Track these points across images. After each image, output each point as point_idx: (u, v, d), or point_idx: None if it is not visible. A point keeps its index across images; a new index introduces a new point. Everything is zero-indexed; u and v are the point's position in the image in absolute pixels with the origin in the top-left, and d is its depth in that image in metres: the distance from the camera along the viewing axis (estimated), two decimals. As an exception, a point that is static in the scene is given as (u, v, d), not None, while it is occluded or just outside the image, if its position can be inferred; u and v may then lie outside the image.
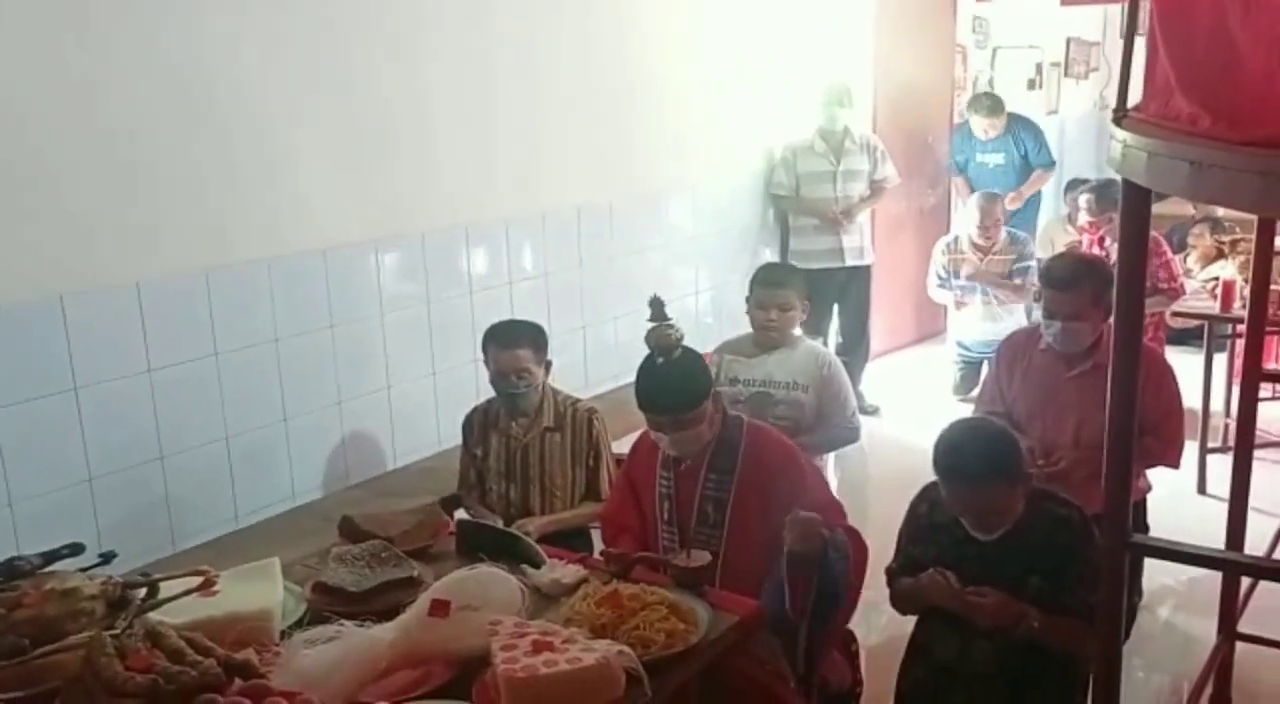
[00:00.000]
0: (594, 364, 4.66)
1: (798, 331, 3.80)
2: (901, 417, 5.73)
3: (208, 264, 3.32)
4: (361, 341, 3.81)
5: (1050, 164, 6.77)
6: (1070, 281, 3.25)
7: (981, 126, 6.64)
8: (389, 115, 3.78)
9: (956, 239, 5.75)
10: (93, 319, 3.04)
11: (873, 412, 5.66)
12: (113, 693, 1.62)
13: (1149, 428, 3.15)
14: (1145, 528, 3.47)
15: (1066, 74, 8.67)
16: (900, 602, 2.66)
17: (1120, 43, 6.92)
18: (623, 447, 3.32)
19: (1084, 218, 5.43)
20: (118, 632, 1.80)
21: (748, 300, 3.77)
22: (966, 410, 4.03)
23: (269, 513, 3.55)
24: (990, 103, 6.66)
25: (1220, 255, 5.17)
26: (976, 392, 4.96)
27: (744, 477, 2.72)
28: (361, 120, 3.69)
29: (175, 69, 3.17)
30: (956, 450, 2.45)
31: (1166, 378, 3.32)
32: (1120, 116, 1.69)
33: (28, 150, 2.89)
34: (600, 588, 2.17)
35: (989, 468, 2.41)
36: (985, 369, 4.72)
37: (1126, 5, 1.81)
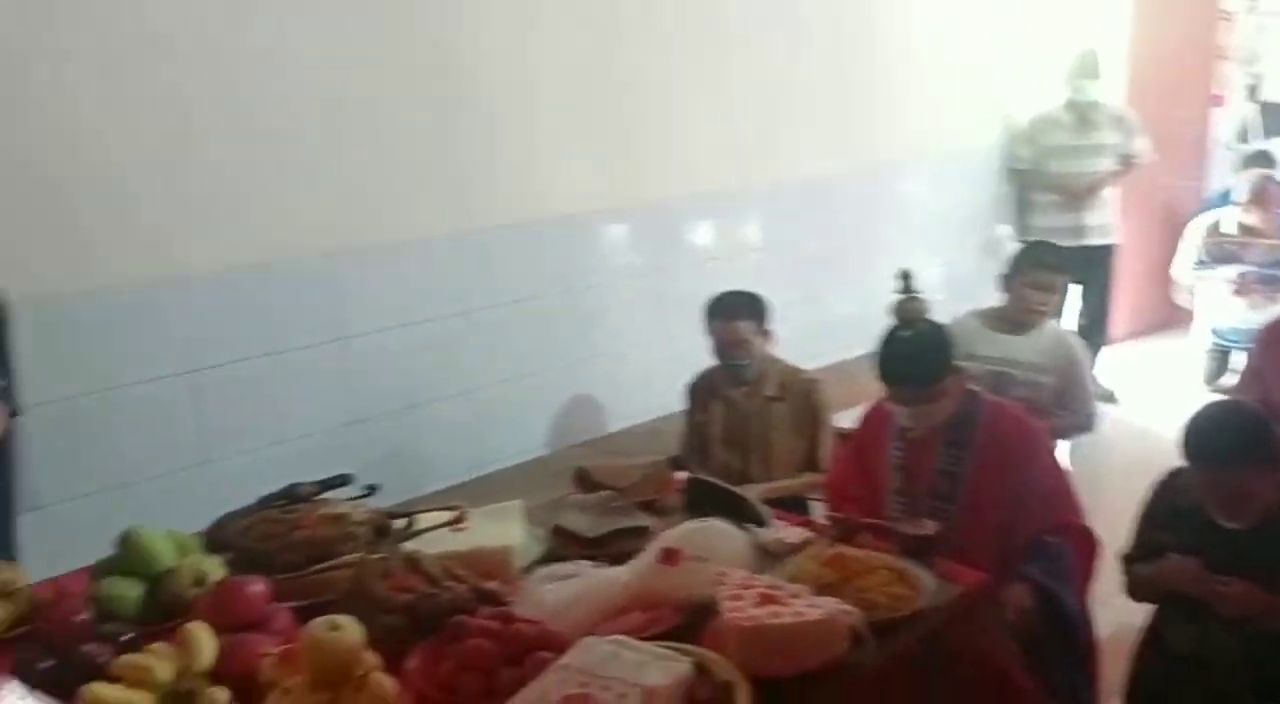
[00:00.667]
0: (818, 337, 4.65)
1: None
2: (1142, 404, 5.45)
3: (460, 228, 3.53)
4: (594, 308, 3.96)
5: None
6: None
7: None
8: (632, 87, 3.90)
9: (1217, 223, 5.39)
10: (364, 275, 3.30)
11: (1108, 397, 5.41)
12: (379, 608, 1.79)
13: None
14: None
15: (1351, 42, 7.92)
16: (1137, 588, 2.56)
17: None
18: (843, 420, 3.32)
19: None
20: (381, 556, 1.97)
21: (1008, 278, 3.66)
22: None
23: (499, 465, 3.76)
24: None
25: None
26: (1230, 382, 4.68)
27: (982, 452, 2.68)
28: (605, 98, 3.83)
29: (431, 37, 3.38)
30: (1209, 432, 2.34)
31: None
32: None
33: (290, 117, 3.15)
34: (825, 549, 2.20)
35: (1243, 451, 2.29)
36: (1240, 358, 4.45)
37: None
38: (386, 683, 1.60)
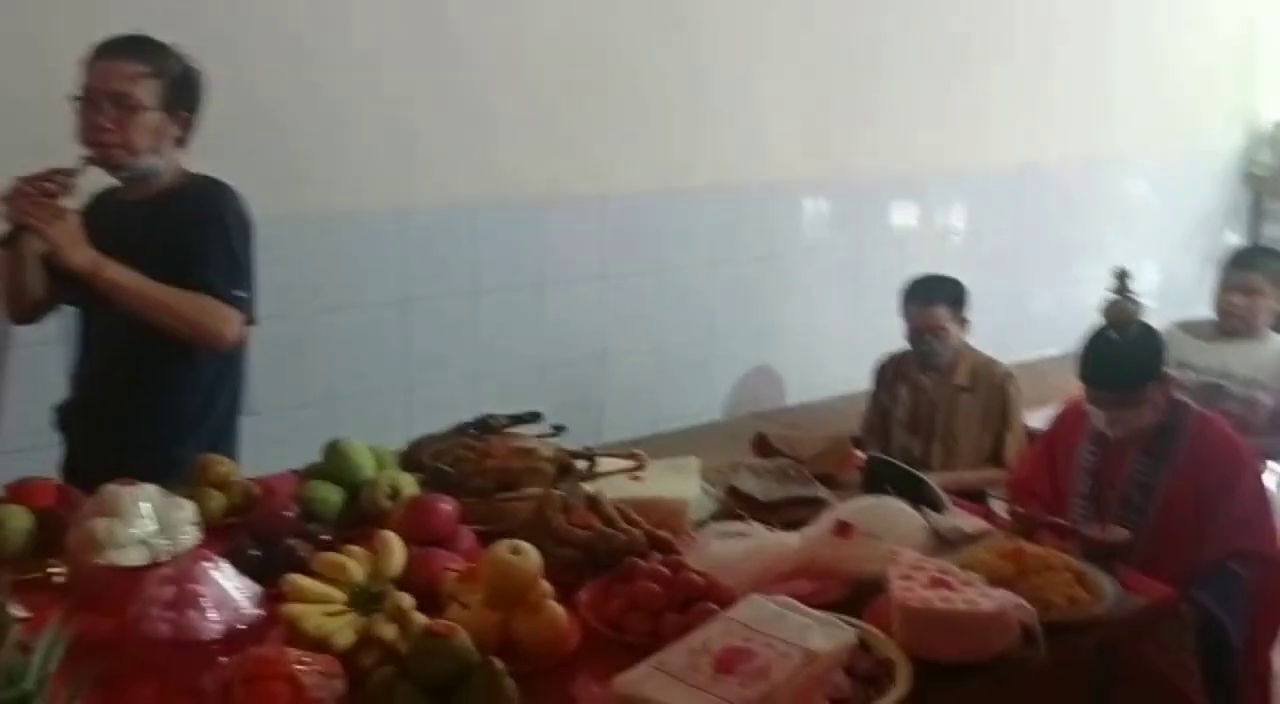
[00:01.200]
0: (1016, 331, 4.51)
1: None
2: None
3: (664, 186, 3.58)
4: (788, 279, 3.96)
5: None
6: None
7: None
8: (848, 57, 3.85)
9: None
10: (568, 224, 3.40)
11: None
12: (557, 541, 1.86)
13: None
14: None
15: None
16: None
17: None
18: (1034, 419, 3.22)
19: None
20: (563, 492, 2.04)
21: (1217, 284, 3.48)
22: None
23: (678, 425, 3.82)
24: None
25: None
26: None
27: (1181, 466, 2.57)
28: (818, 60, 3.79)
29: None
30: None
31: None
32: None
33: (521, 66, 3.25)
34: (1003, 542, 2.15)
35: None
36: None
37: None
38: (559, 610, 1.66)
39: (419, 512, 1.90)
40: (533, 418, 2.36)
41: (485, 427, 2.29)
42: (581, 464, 2.23)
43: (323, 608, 1.60)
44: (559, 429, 2.37)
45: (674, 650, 1.58)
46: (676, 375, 3.79)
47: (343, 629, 1.56)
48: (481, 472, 2.10)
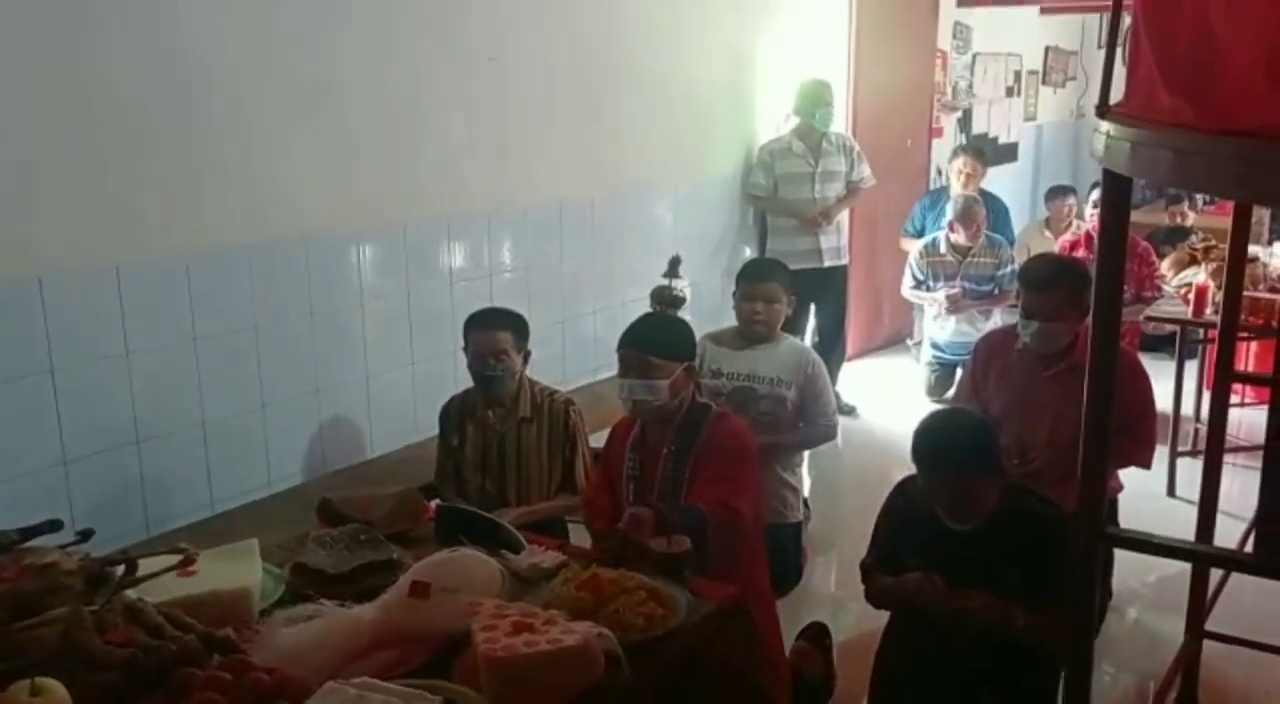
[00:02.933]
0: (572, 359, 4.67)
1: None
2: (875, 417, 5.78)
3: (188, 248, 3.31)
4: (341, 330, 3.81)
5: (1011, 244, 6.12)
6: (1048, 282, 3.29)
7: (962, 171, 6.15)
8: (374, 108, 3.78)
9: (935, 241, 5.78)
10: (71, 302, 3.02)
11: (849, 412, 5.70)
12: (91, 666, 1.62)
13: (1122, 428, 3.19)
14: (1116, 526, 3.51)
15: (1045, 82, 8.78)
16: (878, 598, 2.68)
17: (1098, 52, 7.07)
18: (599, 441, 3.34)
19: (1090, 210, 5.43)
20: (96, 608, 1.79)
21: (734, 295, 3.80)
22: (941, 411, 4.06)
23: (245, 499, 3.54)
24: (978, 149, 6.44)
25: (1193, 262, 5.24)
26: (951, 393, 5.01)
27: (699, 458, 2.77)
28: (346, 112, 3.69)
29: (164, 56, 3.17)
30: (935, 436, 2.49)
31: (1140, 379, 3.37)
32: (1104, 111, 1.72)
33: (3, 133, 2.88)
34: (580, 573, 2.18)
35: (967, 455, 2.45)
36: (960, 371, 4.77)
37: (1111, 4, 1.84)
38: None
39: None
40: (51, 527, 2.05)
41: (-10, 546, 1.96)
42: (117, 571, 1.97)
43: None
44: (85, 535, 2.08)
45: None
46: (231, 448, 3.50)
47: None
48: (-11, 601, 1.79)
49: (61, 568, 1.88)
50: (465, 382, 3.43)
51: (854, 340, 6.43)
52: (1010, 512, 2.52)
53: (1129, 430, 3.24)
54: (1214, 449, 3.13)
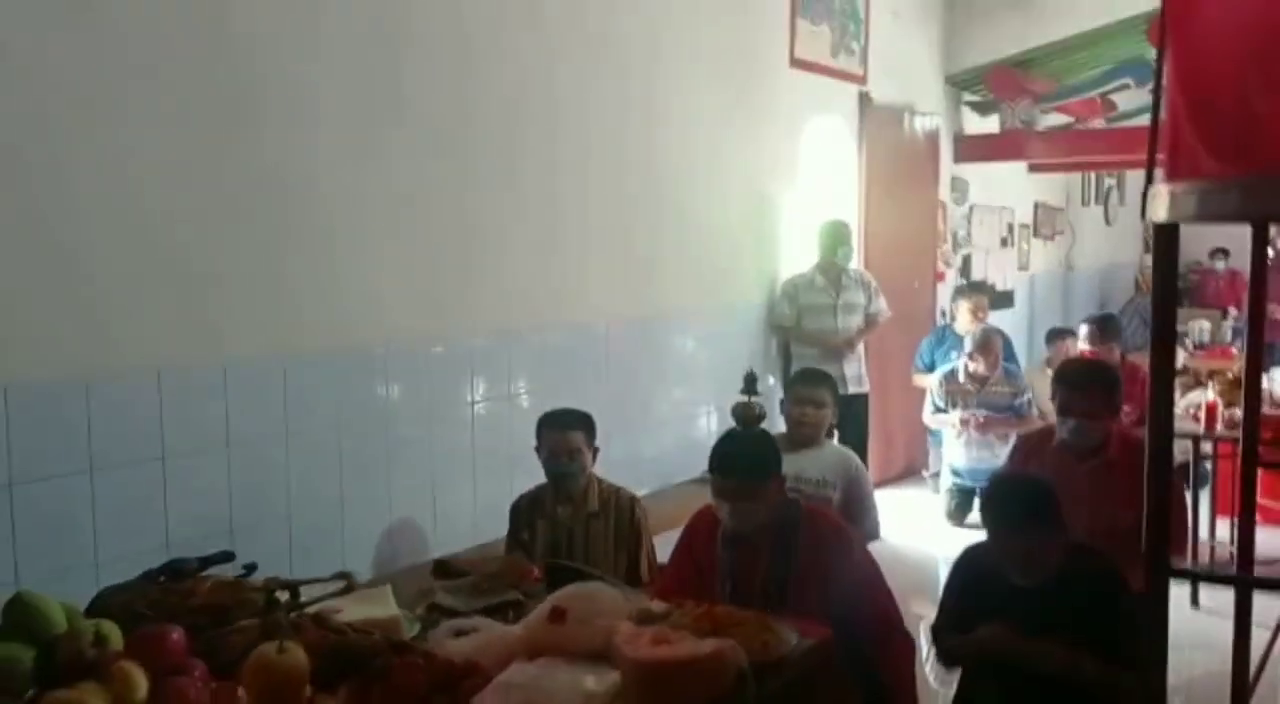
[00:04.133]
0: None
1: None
2: (898, 541, 5.95)
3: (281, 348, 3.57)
4: (411, 443, 4.03)
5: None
6: (1084, 381, 3.56)
7: (970, 311, 6.68)
8: (452, 225, 4.12)
9: (954, 371, 6.11)
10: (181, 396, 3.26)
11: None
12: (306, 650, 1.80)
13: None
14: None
15: (1035, 235, 9.31)
16: (950, 655, 2.83)
17: (1082, 209, 7.53)
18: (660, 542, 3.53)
19: (1083, 346, 5.77)
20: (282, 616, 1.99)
21: (783, 403, 4.06)
22: (963, 535, 4.18)
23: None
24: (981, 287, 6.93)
25: (1198, 385, 5.57)
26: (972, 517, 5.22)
27: (804, 554, 2.85)
28: (428, 226, 4.03)
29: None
30: (1005, 497, 2.72)
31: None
32: (1150, 183, 2.07)
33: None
34: (693, 609, 2.37)
35: (1034, 514, 2.67)
36: (978, 497, 4.98)
37: (1152, 84, 2.20)
38: (331, 705, 1.63)
39: (152, 641, 1.76)
40: (224, 558, 2.26)
41: (175, 572, 2.16)
42: (283, 595, 2.17)
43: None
44: (250, 568, 2.28)
45: (460, 718, 1.61)
46: (312, 541, 3.69)
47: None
48: (189, 610, 1.98)
49: (246, 586, 2.09)
50: (520, 487, 3.62)
51: (870, 470, 6.64)
52: (1074, 570, 2.71)
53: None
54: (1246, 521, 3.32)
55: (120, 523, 3.10)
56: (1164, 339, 2.04)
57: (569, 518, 3.53)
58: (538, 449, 3.56)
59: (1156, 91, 2.14)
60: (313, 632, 1.91)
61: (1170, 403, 2.12)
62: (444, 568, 2.71)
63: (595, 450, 3.60)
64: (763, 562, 2.87)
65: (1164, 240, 2.02)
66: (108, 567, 3.01)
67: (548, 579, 2.69)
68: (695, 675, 2.01)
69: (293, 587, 2.19)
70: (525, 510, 3.62)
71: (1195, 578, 2.43)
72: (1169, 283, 2.04)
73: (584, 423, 3.56)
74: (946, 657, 2.83)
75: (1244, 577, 2.62)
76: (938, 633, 2.87)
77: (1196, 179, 1.78)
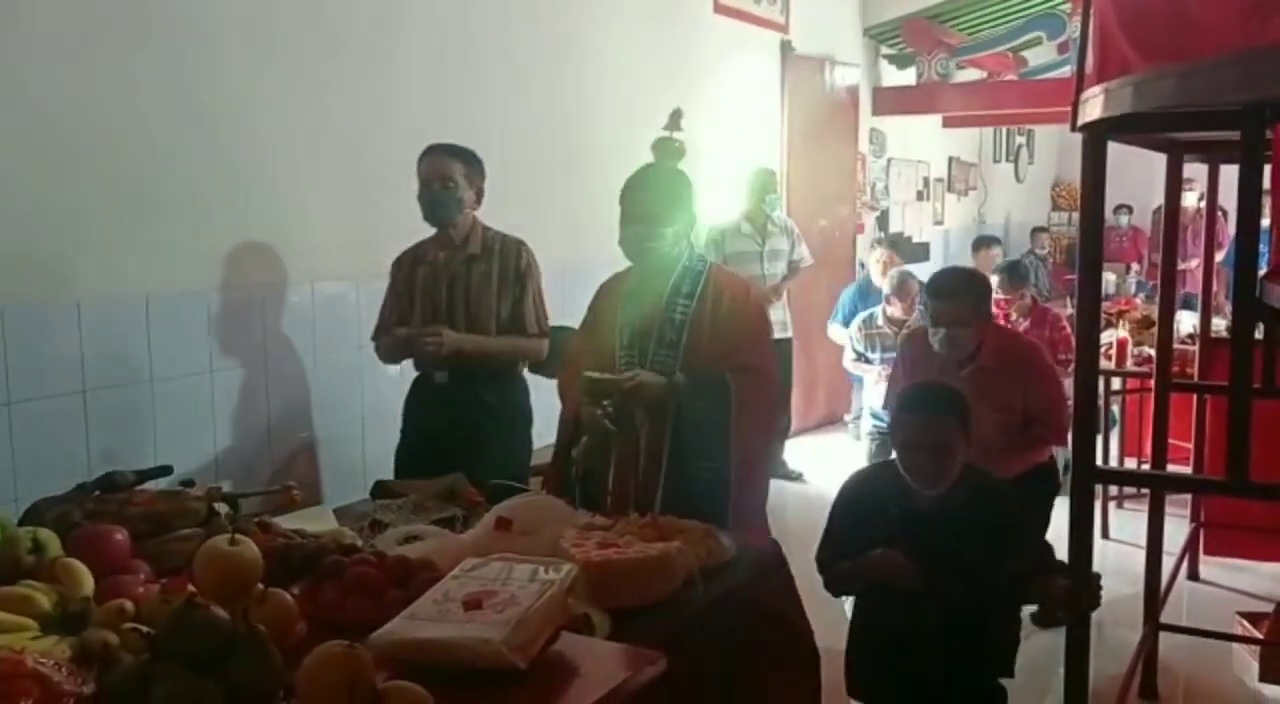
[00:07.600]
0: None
1: None
2: (821, 483, 6.07)
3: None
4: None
5: None
6: (954, 291, 3.49)
7: (882, 263, 6.59)
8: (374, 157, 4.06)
9: (872, 315, 6.20)
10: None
11: (796, 478, 6.00)
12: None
13: (1038, 416, 3.47)
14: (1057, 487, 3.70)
15: (949, 190, 9.50)
16: (839, 583, 2.72)
17: (994, 165, 7.63)
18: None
19: (996, 294, 5.88)
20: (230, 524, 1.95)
21: None
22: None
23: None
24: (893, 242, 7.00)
25: (1109, 325, 5.73)
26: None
27: (702, 303, 2.88)
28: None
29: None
30: (923, 391, 2.75)
31: (1052, 374, 3.62)
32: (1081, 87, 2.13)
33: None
34: (636, 521, 2.38)
35: (949, 406, 2.61)
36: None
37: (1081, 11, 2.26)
38: (286, 596, 1.61)
39: (90, 544, 1.72)
40: (162, 472, 2.21)
41: (111, 484, 2.10)
42: (223, 508, 2.13)
43: (22, 636, 1.42)
44: (188, 484, 2.23)
45: (419, 605, 1.60)
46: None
47: (57, 645, 1.39)
48: (125, 520, 1.93)
49: (186, 497, 2.04)
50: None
51: (797, 418, 6.76)
52: (968, 487, 2.61)
53: (1044, 419, 3.50)
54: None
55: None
56: (1092, 253, 2.10)
57: (448, 261, 3.32)
58: (418, 176, 3.31)
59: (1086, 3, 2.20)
60: (259, 536, 1.88)
61: (1098, 301, 2.19)
62: (384, 488, 2.68)
63: (480, 191, 3.35)
64: (663, 305, 2.90)
65: (1094, 148, 2.08)
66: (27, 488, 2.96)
67: (489, 500, 2.69)
68: (645, 577, 2.03)
69: (232, 498, 2.16)
70: (406, 263, 3.41)
71: (1120, 480, 2.51)
72: (1098, 193, 2.10)
73: (464, 155, 3.30)
74: (835, 583, 2.73)
75: (1159, 474, 2.72)
76: (823, 562, 2.73)
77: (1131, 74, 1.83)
